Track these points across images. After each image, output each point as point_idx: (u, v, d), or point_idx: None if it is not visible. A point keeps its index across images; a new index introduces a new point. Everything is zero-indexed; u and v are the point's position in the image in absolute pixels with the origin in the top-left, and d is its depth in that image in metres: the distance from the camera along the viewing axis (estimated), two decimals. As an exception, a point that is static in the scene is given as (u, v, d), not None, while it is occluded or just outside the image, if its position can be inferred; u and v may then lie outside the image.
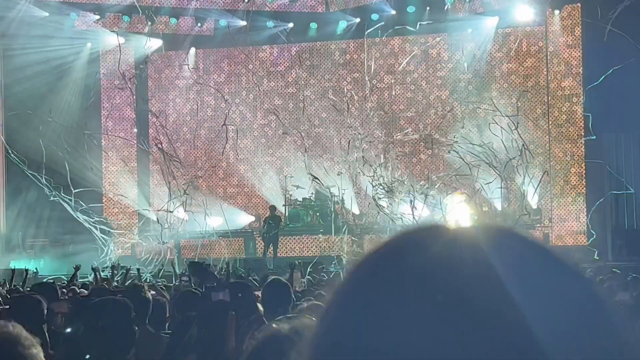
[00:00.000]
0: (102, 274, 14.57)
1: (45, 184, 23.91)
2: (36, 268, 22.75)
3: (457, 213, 22.02)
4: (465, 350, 0.82)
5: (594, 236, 22.26)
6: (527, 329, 0.83)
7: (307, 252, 23.96)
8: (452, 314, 0.83)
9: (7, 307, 6.22)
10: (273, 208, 23.26)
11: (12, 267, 18.77)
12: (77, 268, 13.64)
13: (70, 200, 24.03)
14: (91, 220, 24.40)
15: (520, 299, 0.84)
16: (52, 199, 24.14)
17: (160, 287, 11.09)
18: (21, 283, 13.42)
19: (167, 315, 6.92)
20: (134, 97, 27.06)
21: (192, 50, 27.88)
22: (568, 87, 25.10)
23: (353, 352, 0.85)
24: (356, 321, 0.86)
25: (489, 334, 0.83)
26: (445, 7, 25.48)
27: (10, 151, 24.57)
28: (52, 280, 13.09)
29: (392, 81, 26.83)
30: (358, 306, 0.87)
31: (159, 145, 25.27)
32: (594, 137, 22.89)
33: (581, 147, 24.63)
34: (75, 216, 24.24)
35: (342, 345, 0.86)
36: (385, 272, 0.89)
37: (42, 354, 1.77)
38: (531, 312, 0.84)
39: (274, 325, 1.70)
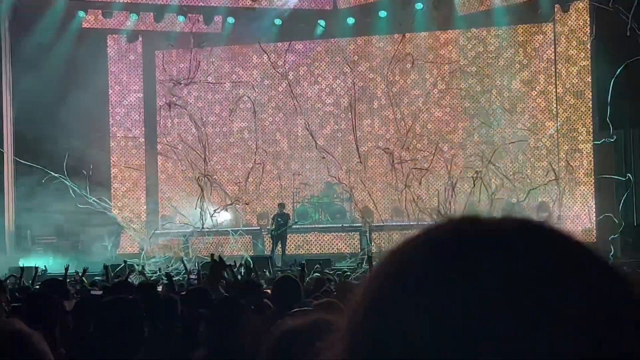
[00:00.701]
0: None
1: (76, 189, 24.14)
2: (45, 266, 22.82)
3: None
4: (494, 350, 0.80)
5: (619, 229, 21.73)
6: (558, 332, 0.81)
7: (316, 249, 23.91)
8: (481, 310, 0.82)
9: (19, 304, 6.19)
10: (282, 205, 23.25)
11: (21, 265, 18.81)
12: (84, 270, 13.62)
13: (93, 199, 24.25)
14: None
15: (550, 299, 0.82)
16: (91, 200, 24.34)
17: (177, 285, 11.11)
18: (30, 281, 13.42)
19: (179, 312, 6.91)
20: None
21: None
22: (576, 84, 25.04)
23: (389, 346, 0.84)
24: (390, 316, 0.85)
25: (516, 333, 0.80)
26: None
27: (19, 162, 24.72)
28: (61, 278, 13.06)
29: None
30: (392, 301, 0.86)
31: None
32: (612, 139, 22.72)
33: (589, 145, 24.59)
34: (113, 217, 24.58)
35: (378, 340, 0.85)
36: (417, 267, 0.87)
37: (49, 352, 1.77)
38: (561, 314, 0.81)
39: (289, 320, 1.69)
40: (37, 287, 11.92)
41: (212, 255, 10.16)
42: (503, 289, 0.82)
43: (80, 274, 13.49)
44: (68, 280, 12.07)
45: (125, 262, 16.72)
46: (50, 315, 4.47)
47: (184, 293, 7.84)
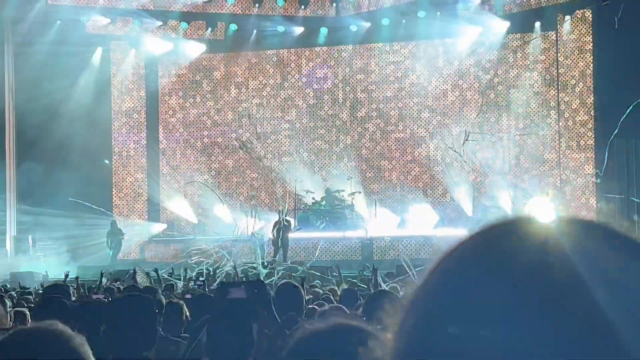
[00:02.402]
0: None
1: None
2: (46, 271, 22.85)
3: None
4: (548, 350, 0.80)
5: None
6: (616, 333, 0.80)
7: (319, 256, 23.86)
8: (536, 312, 0.81)
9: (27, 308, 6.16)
10: (282, 212, 23.24)
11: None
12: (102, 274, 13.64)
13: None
14: None
15: (610, 300, 0.81)
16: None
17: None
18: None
19: (184, 318, 6.90)
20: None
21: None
22: (579, 93, 25.04)
23: (441, 347, 0.84)
24: (444, 316, 0.85)
25: (574, 334, 0.80)
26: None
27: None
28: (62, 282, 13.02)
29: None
30: (444, 303, 0.86)
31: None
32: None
33: (591, 154, 24.61)
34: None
35: (430, 341, 0.85)
36: (471, 268, 0.87)
37: (91, 355, 1.78)
38: (621, 315, 0.80)
39: (306, 325, 1.70)
40: (40, 291, 11.92)
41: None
42: (569, 289, 0.82)
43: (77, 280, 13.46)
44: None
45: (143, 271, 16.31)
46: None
47: (188, 297, 7.84)
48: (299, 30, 26.88)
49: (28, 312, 6.41)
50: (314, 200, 25.10)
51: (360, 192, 25.00)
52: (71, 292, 9.15)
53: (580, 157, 24.89)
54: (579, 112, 25.00)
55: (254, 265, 20.17)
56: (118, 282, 14.42)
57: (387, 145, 26.84)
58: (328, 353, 1.53)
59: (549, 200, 23.43)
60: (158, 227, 26.91)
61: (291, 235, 23.10)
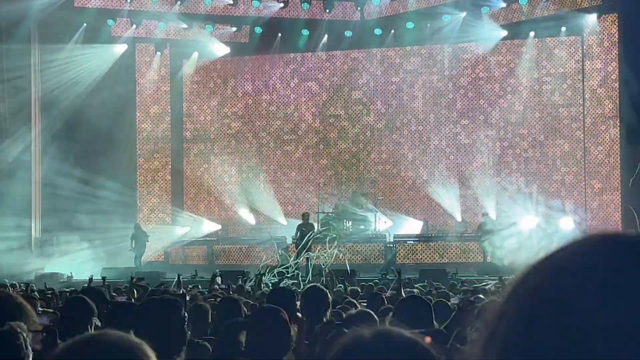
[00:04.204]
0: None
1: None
2: (71, 272, 22.98)
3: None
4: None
5: None
6: None
7: (340, 260, 23.83)
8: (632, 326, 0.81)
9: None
10: (306, 215, 23.23)
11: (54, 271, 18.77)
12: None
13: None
14: None
15: None
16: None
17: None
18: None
19: (209, 321, 6.91)
20: None
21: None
22: (604, 98, 24.90)
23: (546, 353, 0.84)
24: (543, 331, 0.85)
25: None
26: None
27: None
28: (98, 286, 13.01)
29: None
30: (544, 311, 0.86)
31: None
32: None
33: (617, 157, 24.46)
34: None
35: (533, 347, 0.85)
36: (568, 282, 0.87)
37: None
38: None
39: (349, 331, 1.69)
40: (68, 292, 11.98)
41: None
42: None
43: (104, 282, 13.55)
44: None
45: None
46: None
47: (216, 302, 7.85)
48: (323, 33, 26.90)
49: (59, 313, 6.43)
50: (337, 204, 25.15)
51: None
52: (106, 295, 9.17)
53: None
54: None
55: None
56: (144, 281, 14.52)
57: (415, 149, 26.81)
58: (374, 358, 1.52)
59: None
60: (181, 230, 27.02)
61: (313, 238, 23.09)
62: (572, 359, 0.82)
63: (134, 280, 14.28)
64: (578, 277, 0.86)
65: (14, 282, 16.60)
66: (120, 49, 27.25)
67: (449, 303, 8.48)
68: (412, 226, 25.69)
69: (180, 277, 14.81)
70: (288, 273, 18.86)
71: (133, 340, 1.70)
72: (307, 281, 17.77)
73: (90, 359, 1.66)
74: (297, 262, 20.42)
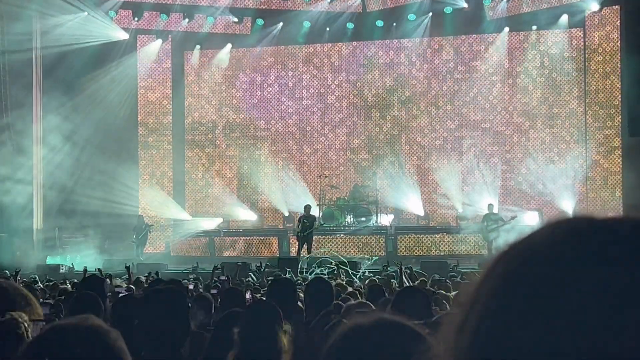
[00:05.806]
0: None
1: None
2: (72, 263, 22.99)
3: None
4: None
5: None
6: None
7: (343, 252, 23.87)
8: (606, 316, 0.80)
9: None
10: (308, 207, 23.24)
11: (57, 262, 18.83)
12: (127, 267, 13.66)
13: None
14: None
15: None
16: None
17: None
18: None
19: (212, 311, 6.94)
20: None
21: (228, 46, 28.02)
22: (607, 89, 24.87)
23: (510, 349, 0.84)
24: (512, 318, 0.85)
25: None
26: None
27: None
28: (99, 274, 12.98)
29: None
30: (520, 300, 0.85)
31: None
32: None
33: (618, 151, 24.45)
34: None
35: (504, 340, 0.85)
36: (537, 268, 0.86)
37: (127, 350, 1.78)
38: None
39: (347, 320, 1.72)
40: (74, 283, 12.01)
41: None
42: (630, 287, 0.81)
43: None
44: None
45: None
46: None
47: (215, 292, 7.89)
48: (324, 25, 26.83)
49: (61, 304, 6.47)
50: (339, 196, 25.18)
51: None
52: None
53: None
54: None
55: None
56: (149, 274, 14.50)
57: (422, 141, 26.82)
58: (373, 349, 1.54)
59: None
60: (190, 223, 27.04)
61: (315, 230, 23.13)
62: (544, 344, 0.82)
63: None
64: (550, 262, 0.86)
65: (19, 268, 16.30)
66: (121, 34, 27.28)
67: (450, 295, 8.52)
68: (414, 217, 25.72)
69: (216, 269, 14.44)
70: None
71: (102, 326, 1.73)
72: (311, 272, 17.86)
73: (62, 345, 1.70)
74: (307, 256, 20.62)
